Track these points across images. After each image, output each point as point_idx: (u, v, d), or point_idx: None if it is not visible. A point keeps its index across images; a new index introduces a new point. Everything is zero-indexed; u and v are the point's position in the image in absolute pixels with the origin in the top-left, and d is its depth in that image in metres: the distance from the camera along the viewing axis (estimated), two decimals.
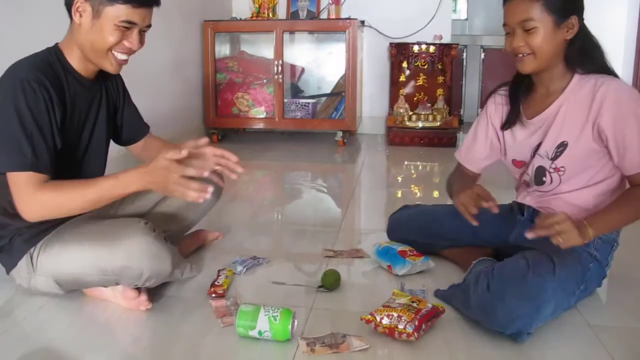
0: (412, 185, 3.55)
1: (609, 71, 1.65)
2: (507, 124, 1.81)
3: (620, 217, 1.57)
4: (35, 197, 1.49)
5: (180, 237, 2.09)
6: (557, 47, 1.61)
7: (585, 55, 1.64)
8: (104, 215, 1.86)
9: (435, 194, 3.23)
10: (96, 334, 1.59)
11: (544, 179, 1.72)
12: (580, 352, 1.51)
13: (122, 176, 1.53)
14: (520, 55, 1.62)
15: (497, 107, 1.86)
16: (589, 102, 1.61)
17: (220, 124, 4.79)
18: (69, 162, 1.63)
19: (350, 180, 3.71)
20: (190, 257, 2.09)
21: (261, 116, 4.73)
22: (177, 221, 2.00)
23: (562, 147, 1.66)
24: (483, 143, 1.90)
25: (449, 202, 2.15)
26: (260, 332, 1.48)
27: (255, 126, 4.86)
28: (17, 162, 1.48)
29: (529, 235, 1.51)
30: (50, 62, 1.59)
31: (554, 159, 1.68)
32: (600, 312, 1.71)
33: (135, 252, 1.56)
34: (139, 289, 1.66)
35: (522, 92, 1.78)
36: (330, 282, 1.82)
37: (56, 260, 1.62)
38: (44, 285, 1.67)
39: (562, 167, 1.67)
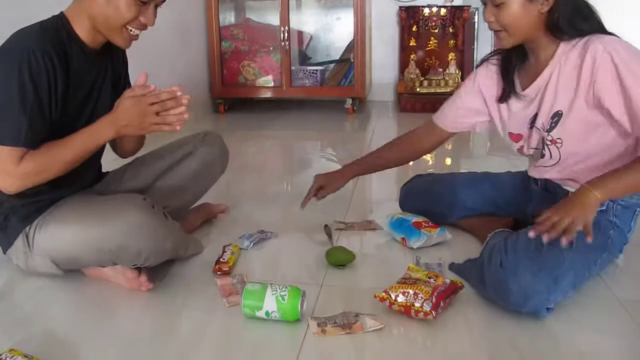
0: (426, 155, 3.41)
1: (601, 32, 1.49)
2: (502, 98, 1.69)
3: (634, 179, 1.41)
4: (16, 170, 1.41)
5: (185, 212, 2.00)
6: (531, 21, 1.48)
7: (569, 23, 1.48)
8: (104, 192, 1.78)
9: (448, 161, 3.14)
10: (97, 316, 1.51)
11: (544, 152, 1.61)
12: (609, 327, 1.42)
13: (93, 128, 1.48)
14: (494, 30, 1.51)
15: (489, 76, 1.74)
16: (578, 66, 1.47)
17: (227, 93, 4.68)
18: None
19: (361, 149, 3.59)
20: (195, 233, 2.01)
21: (268, 85, 4.62)
22: (181, 195, 1.91)
23: (556, 117, 1.54)
24: (466, 106, 1.81)
25: (463, 169, 2.07)
26: (267, 313, 1.40)
27: (263, 95, 4.74)
28: (9, 137, 1.40)
29: (531, 234, 1.39)
30: (58, 31, 1.50)
31: (549, 130, 1.56)
32: (627, 284, 1.62)
33: (133, 230, 1.47)
34: (139, 269, 1.58)
35: (515, 61, 1.65)
36: (335, 261, 1.73)
37: (52, 239, 1.54)
38: (41, 265, 1.59)
39: (559, 138, 1.55)
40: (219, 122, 4.40)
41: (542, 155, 1.62)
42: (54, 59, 1.44)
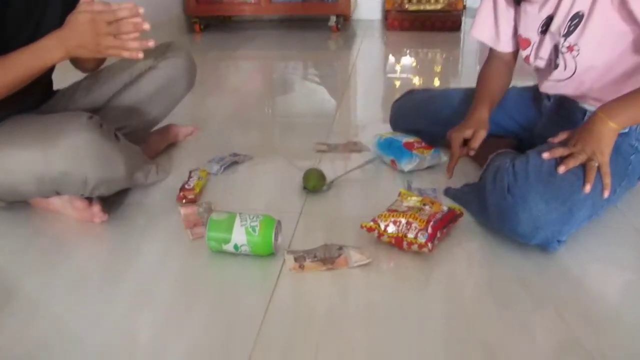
0: (413, 75, 3.26)
1: None
2: None
3: None
4: None
5: (146, 133, 1.78)
6: None
7: None
8: (50, 113, 1.54)
9: (437, 83, 2.91)
10: (45, 251, 1.32)
11: (558, 62, 1.41)
12: (624, 258, 1.27)
13: (38, 47, 1.24)
14: None
15: None
16: None
17: (203, 11, 4.39)
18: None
19: (345, 69, 3.43)
20: (158, 158, 1.81)
21: (247, 1, 4.32)
22: (140, 115, 1.68)
23: (576, 19, 1.33)
24: (505, 13, 1.56)
25: (462, 85, 1.86)
26: (236, 246, 1.20)
27: (241, 13, 4.47)
28: None
29: (546, 155, 1.23)
30: None
31: (567, 35, 1.36)
32: None
33: (76, 154, 1.25)
34: (90, 198, 1.37)
35: None
36: (314, 184, 1.53)
37: None
38: None
39: (576, 45, 1.35)
40: (194, 42, 4.14)
41: (556, 67, 1.43)
42: None
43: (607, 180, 1.22)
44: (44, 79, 1.51)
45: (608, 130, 1.20)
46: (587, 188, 1.19)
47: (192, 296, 1.13)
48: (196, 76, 1.80)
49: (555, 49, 1.41)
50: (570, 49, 1.36)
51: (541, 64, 1.48)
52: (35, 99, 1.53)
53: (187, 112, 2.12)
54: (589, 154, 1.21)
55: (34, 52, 1.25)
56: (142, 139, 1.73)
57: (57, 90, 1.66)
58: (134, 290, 1.15)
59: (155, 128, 1.83)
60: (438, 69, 3.33)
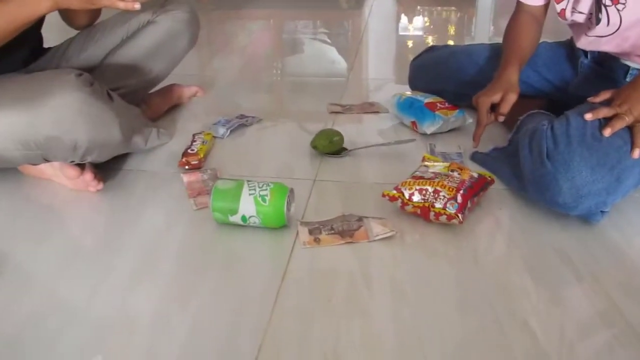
0: (427, 34, 3.13)
1: None
2: None
3: None
4: None
5: (146, 94, 1.65)
6: None
7: None
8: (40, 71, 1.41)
9: (451, 43, 2.79)
10: (36, 220, 1.21)
11: (600, 16, 1.28)
12: None
13: None
14: None
15: None
16: None
17: None
18: None
19: (358, 28, 3.27)
20: (160, 121, 1.69)
21: None
22: (138, 73, 1.56)
23: None
24: None
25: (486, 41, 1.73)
26: (244, 218, 1.08)
27: None
28: None
29: (588, 117, 1.11)
30: None
31: None
32: None
33: (63, 116, 1.12)
34: (81, 165, 1.25)
35: None
36: (322, 145, 1.41)
37: None
38: None
39: None
40: (198, 1, 3.95)
41: (598, 21, 1.28)
42: None
43: None
44: (32, 34, 1.40)
45: None
46: (637, 153, 1.07)
47: (195, 272, 1.01)
48: (199, 31, 1.67)
49: (597, 2, 1.27)
50: (615, 1, 1.23)
51: (580, 18, 1.34)
52: (23, 55, 1.42)
53: (191, 73, 2.00)
54: (636, 115, 1.08)
55: (17, 3, 1.15)
56: (142, 99, 1.62)
57: (49, 48, 1.54)
58: (133, 264, 1.04)
59: (157, 88, 1.71)
60: (452, 30, 3.20)
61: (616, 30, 1.27)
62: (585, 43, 1.38)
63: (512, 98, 1.35)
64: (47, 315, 0.91)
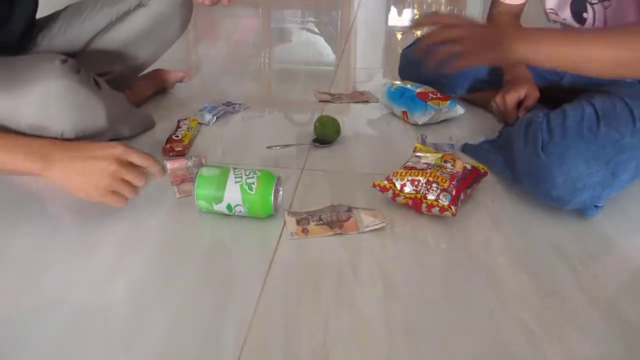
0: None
1: None
2: None
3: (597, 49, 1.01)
4: None
5: (132, 79, 1.61)
6: None
7: None
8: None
9: None
10: (20, 205, 1.16)
11: (585, 15, 1.28)
12: None
13: (29, 150, 0.99)
14: None
15: None
16: None
17: None
18: None
19: (347, 17, 3.22)
20: (144, 106, 1.64)
21: None
22: (126, 59, 1.51)
23: None
24: None
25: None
26: (229, 206, 1.04)
27: None
28: None
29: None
30: None
31: None
32: None
33: (48, 105, 1.07)
34: None
35: None
36: (329, 133, 1.37)
37: None
38: None
39: None
40: None
41: (583, 21, 1.27)
42: None
43: None
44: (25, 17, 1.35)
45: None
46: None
47: (177, 262, 0.97)
48: (191, 15, 1.63)
49: (582, 1, 1.26)
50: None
51: (565, 15, 1.32)
52: (18, 28, 1.36)
53: (177, 58, 1.95)
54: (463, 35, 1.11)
55: (10, 151, 0.98)
56: (127, 85, 1.57)
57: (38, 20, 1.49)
58: (112, 252, 1.00)
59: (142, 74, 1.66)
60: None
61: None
62: None
63: (536, 93, 1.40)
64: (21, 302, 0.87)
